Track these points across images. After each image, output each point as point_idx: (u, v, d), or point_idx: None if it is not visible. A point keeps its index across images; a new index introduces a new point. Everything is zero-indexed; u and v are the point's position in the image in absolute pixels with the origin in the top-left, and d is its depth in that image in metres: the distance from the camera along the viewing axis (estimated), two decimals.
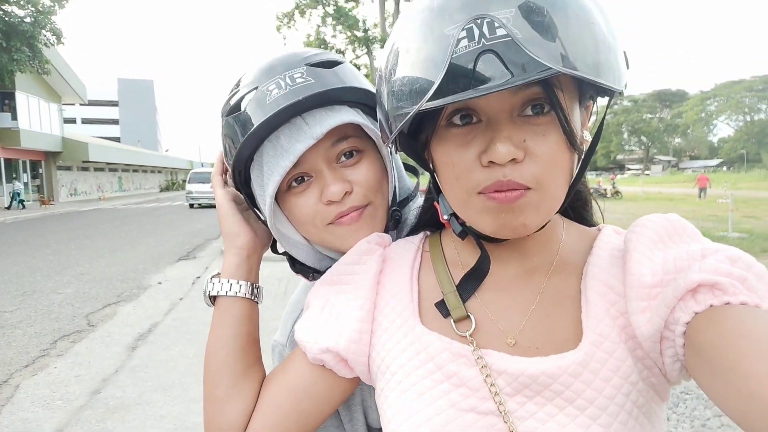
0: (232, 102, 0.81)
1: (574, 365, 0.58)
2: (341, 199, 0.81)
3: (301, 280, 0.97)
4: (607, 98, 0.64)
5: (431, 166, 0.67)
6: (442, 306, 0.68)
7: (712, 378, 0.48)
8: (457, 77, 0.51)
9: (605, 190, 26.92)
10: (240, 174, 0.86)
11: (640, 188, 36.49)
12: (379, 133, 0.80)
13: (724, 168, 78.60)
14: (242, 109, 0.79)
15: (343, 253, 0.81)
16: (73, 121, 70.22)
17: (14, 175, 28.64)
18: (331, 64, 0.83)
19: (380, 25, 19.24)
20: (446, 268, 0.72)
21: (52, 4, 21.12)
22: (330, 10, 18.24)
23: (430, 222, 0.83)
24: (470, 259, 0.70)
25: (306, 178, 0.82)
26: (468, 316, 0.66)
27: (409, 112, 0.54)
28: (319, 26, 18.62)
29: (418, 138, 0.66)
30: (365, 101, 0.82)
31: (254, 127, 0.77)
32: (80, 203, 32.71)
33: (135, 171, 50.99)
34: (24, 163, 30.06)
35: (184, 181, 18.37)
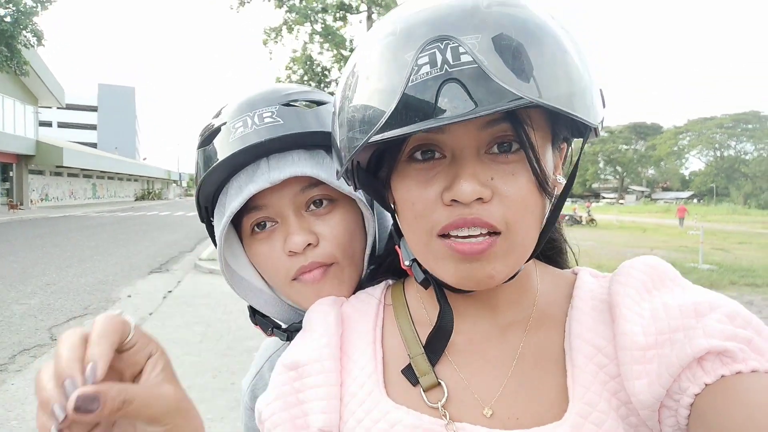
0: (205, 134, 0.80)
1: None
2: (303, 251, 0.75)
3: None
4: (581, 140, 0.61)
5: (393, 206, 0.62)
6: (409, 372, 0.61)
7: None
8: (416, 106, 0.47)
9: (581, 217, 27.39)
10: (206, 209, 0.84)
11: (614, 216, 37.28)
12: (351, 189, 0.75)
13: (695, 200, 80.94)
14: (210, 143, 0.77)
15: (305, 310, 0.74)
16: (48, 124, 68.87)
17: None
18: (311, 105, 0.79)
19: None
20: (412, 326, 0.65)
21: (34, 4, 20.77)
22: (318, 27, 18.34)
23: (392, 268, 0.75)
24: (437, 314, 0.62)
25: (270, 224, 0.78)
26: (439, 383, 0.60)
27: (360, 143, 0.51)
28: (306, 43, 18.70)
29: (378, 175, 0.62)
30: None
31: (214, 164, 0.75)
32: (51, 209, 31.80)
33: (110, 178, 50.01)
34: None
35: (161, 190, 17.68)
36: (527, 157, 0.53)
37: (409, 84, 0.48)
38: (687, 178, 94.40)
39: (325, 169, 0.76)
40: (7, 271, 9.49)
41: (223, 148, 0.75)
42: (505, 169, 0.53)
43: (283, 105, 0.77)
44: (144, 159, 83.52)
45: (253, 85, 0.89)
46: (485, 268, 0.53)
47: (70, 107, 65.85)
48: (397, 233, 0.65)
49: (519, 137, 0.52)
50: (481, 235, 0.53)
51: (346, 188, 0.76)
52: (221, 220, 0.77)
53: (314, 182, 0.76)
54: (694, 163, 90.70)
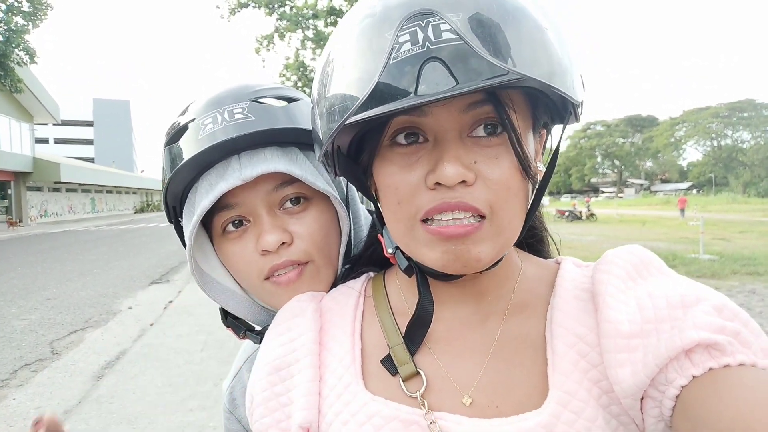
0: (172, 131, 0.76)
1: (539, 428, 0.52)
2: (277, 250, 0.73)
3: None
4: (561, 127, 0.61)
5: (374, 193, 0.61)
6: (388, 362, 0.61)
7: None
8: (398, 84, 0.46)
9: (580, 212, 27.39)
10: (174, 209, 0.81)
11: (614, 210, 37.31)
12: (326, 187, 0.75)
13: (694, 191, 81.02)
14: (177, 141, 0.74)
15: None
16: (45, 141, 68.97)
17: None
18: (285, 101, 0.76)
19: None
20: (391, 316, 0.64)
21: (25, 23, 20.83)
22: (310, 34, 18.40)
23: (374, 259, 0.74)
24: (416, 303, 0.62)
25: (244, 223, 0.76)
26: (418, 373, 0.59)
27: (342, 124, 0.50)
28: (298, 49, 18.74)
29: (359, 161, 0.60)
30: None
31: (181, 162, 0.72)
32: (51, 225, 31.81)
33: (109, 192, 50.02)
34: None
35: (160, 201, 17.56)
36: (510, 139, 0.52)
37: (390, 62, 0.47)
38: (685, 169, 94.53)
39: (299, 166, 0.74)
40: (7, 288, 9.48)
41: (192, 145, 0.72)
42: (488, 153, 0.52)
43: (254, 101, 0.74)
44: (142, 171, 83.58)
45: (222, 83, 0.86)
46: (472, 250, 0.52)
47: (65, 123, 65.94)
48: (379, 221, 0.64)
49: (501, 119, 0.52)
50: (465, 218, 0.52)
51: (321, 185, 0.74)
52: (191, 219, 0.74)
53: (288, 180, 0.74)
54: (692, 154, 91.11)
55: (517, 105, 0.54)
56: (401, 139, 0.54)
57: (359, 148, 0.60)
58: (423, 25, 0.47)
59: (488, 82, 0.45)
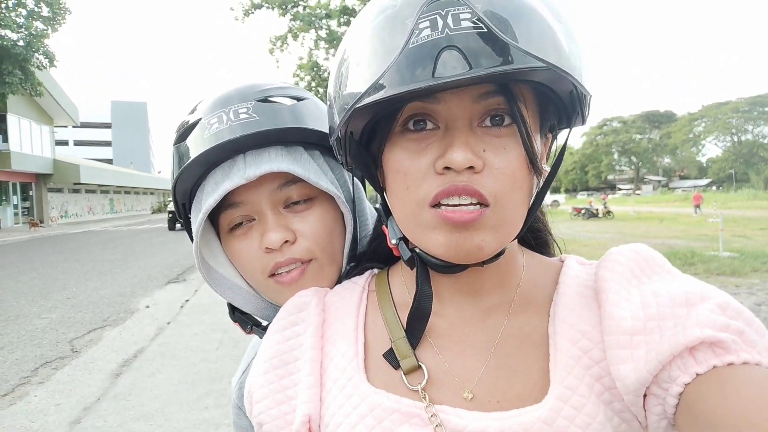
0: (181, 130, 0.78)
1: (538, 423, 0.53)
2: (280, 248, 0.75)
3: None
4: (567, 130, 0.61)
5: (382, 185, 0.62)
6: (390, 356, 0.61)
7: None
8: (415, 67, 0.47)
9: (597, 210, 27.06)
10: (184, 206, 0.82)
11: (631, 207, 36.80)
12: (329, 186, 0.76)
13: (714, 188, 79.46)
14: (185, 140, 0.76)
15: None
16: (65, 143, 70.32)
17: (3, 198, 28.50)
18: (291, 100, 0.78)
19: None
20: (394, 311, 0.65)
21: (45, 27, 21.25)
22: (323, 33, 18.47)
23: (378, 254, 0.75)
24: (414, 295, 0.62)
25: (248, 221, 0.77)
26: (419, 366, 0.60)
27: (357, 101, 0.51)
28: (311, 49, 18.83)
29: (370, 149, 0.61)
30: (327, 143, 0.70)
31: (188, 161, 0.74)
32: (71, 225, 32.40)
33: (127, 192, 50.80)
34: (14, 185, 29.87)
35: None
36: (519, 130, 0.53)
37: (410, 45, 0.48)
38: (704, 165, 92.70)
39: (303, 166, 0.75)
40: (28, 287, 9.68)
41: (198, 144, 0.74)
42: (497, 143, 0.53)
43: (260, 101, 0.75)
44: (159, 172, 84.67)
45: (230, 81, 0.87)
46: (474, 238, 0.53)
47: (84, 125, 67.13)
48: (385, 212, 0.65)
49: (512, 110, 0.52)
50: (471, 204, 0.52)
51: (324, 185, 0.75)
52: (198, 216, 0.76)
53: (292, 179, 0.75)
54: (711, 150, 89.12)
55: (527, 100, 0.55)
56: (412, 125, 0.55)
57: (371, 136, 0.61)
58: (443, 13, 0.48)
59: (506, 68, 0.46)
